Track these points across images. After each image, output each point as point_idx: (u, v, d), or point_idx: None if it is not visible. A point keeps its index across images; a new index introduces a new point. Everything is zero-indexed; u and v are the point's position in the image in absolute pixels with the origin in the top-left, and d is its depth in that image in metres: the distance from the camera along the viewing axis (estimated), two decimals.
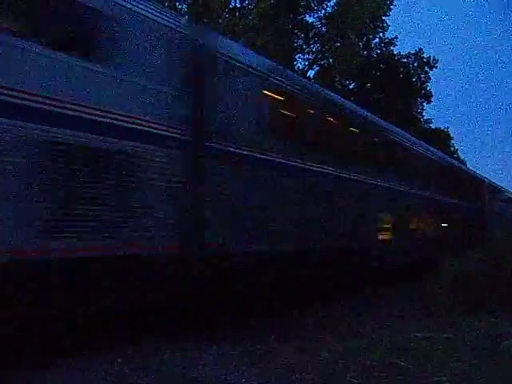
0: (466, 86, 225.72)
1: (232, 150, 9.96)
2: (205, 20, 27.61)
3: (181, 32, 9.11)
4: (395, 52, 40.31)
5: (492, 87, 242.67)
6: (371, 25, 34.31)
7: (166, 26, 8.77)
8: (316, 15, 34.52)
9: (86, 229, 7.16)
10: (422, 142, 23.46)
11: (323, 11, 34.22)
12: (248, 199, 10.30)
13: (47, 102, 6.79)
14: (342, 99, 17.30)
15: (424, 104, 43.59)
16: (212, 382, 6.58)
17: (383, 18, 34.70)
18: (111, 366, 7.10)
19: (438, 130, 51.01)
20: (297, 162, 11.98)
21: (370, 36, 36.88)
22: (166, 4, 28.02)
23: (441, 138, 48.44)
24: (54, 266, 6.83)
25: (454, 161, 29.94)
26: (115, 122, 7.63)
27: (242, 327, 9.60)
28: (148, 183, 8.10)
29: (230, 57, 10.18)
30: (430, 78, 41.68)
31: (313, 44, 35.11)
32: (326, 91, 15.78)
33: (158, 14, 8.68)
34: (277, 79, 11.71)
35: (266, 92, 11.29)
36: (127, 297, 8.03)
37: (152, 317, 8.44)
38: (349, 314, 11.41)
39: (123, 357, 7.44)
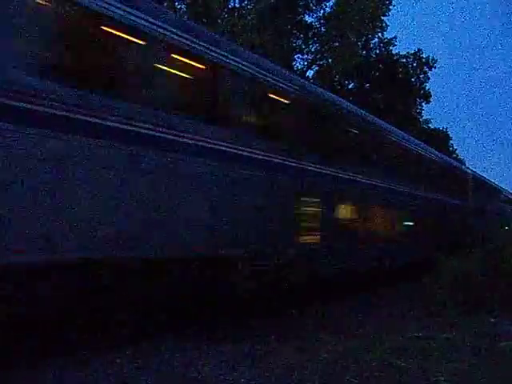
0: (465, 86, 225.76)
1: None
2: (204, 20, 27.63)
3: None
4: (394, 52, 40.35)
5: (491, 87, 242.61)
6: (370, 25, 34.24)
7: None
8: (315, 15, 34.58)
9: None
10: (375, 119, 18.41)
11: (322, 11, 34.27)
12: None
13: None
14: None
15: (423, 104, 43.64)
16: (212, 382, 6.58)
17: (382, 17, 34.65)
18: (111, 365, 7.10)
19: (436, 130, 51.00)
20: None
21: (369, 36, 36.82)
22: (165, 4, 28.02)
23: (440, 138, 48.42)
24: None
25: (429, 149, 24.30)
26: None
27: (242, 327, 9.61)
28: None
29: None
30: (429, 78, 41.73)
31: (312, 44, 35.11)
32: None
33: None
34: None
35: None
36: None
37: (152, 317, 8.46)
38: (349, 314, 11.41)
39: (123, 357, 7.44)
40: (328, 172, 13.23)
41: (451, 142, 56.81)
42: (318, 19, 34.46)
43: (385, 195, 17.11)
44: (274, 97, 11.53)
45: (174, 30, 8.74)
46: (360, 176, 15.07)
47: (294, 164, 11.73)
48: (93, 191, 7.23)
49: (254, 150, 10.40)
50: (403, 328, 9.58)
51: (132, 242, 7.82)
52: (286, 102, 11.83)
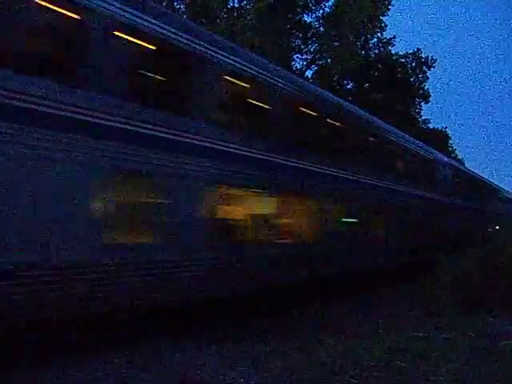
0: (465, 86, 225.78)
1: None
2: (203, 20, 27.61)
3: None
4: (393, 52, 40.32)
5: (491, 86, 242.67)
6: (369, 25, 34.20)
7: None
8: (314, 15, 34.52)
9: None
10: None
11: (321, 11, 34.23)
12: None
13: None
14: None
15: (422, 104, 43.61)
16: (211, 381, 6.59)
17: (381, 17, 34.62)
18: (111, 365, 7.11)
19: (436, 130, 50.98)
20: None
21: (368, 36, 36.77)
22: (164, 4, 28.02)
23: (439, 138, 48.39)
24: None
25: (387, 127, 19.35)
26: None
27: (242, 327, 9.62)
28: None
29: None
30: (428, 78, 41.72)
31: (311, 44, 35.06)
32: None
33: None
34: None
35: None
36: None
37: (152, 317, 8.47)
38: (349, 314, 11.42)
39: (122, 357, 7.46)
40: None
41: (450, 141, 56.86)
42: (317, 19, 34.43)
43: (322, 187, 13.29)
44: None
45: None
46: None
47: None
48: None
49: None
50: (403, 328, 9.59)
51: None
52: None
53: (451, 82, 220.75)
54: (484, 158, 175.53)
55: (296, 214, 12.40)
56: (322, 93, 15.08)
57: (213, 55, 9.99)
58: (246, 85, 11.20)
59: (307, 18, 34.45)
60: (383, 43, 38.88)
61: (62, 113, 7.30)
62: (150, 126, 8.50)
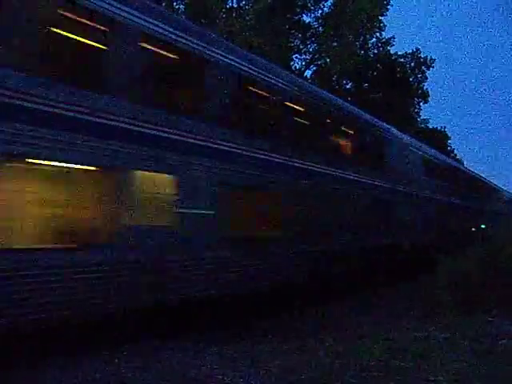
0: (463, 86, 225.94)
1: None
2: (202, 20, 27.63)
3: None
4: (392, 52, 40.37)
5: (489, 86, 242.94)
6: (368, 25, 34.26)
7: None
8: (313, 15, 34.56)
9: None
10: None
11: (320, 11, 34.27)
12: None
13: None
14: None
15: (421, 104, 43.67)
16: (211, 382, 6.59)
17: (380, 17, 34.67)
18: (110, 366, 7.12)
19: (435, 129, 51.03)
20: None
21: (367, 36, 36.81)
22: (164, 4, 28.03)
23: (438, 138, 48.42)
24: None
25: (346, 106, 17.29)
26: None
27: (242, 327, 9.63)
28: None
29: None
30: (427, 78, 41.78)
31: (310, 44, 35.11)
32: None
33: None
34: None
35: None
36: None
37: (152, 317, 8.48)
38: (349, 314, 11.44)
39: (122, 357, 7.46)
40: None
41: (449, 141, 56.90)
42: (316, 19, 34.47)
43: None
44: None
45: None
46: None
47: None
48: None
49: None
50: (402, 328, 9.60)
51: None
52: None
53: (450, 82, 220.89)
54: (483, 158, 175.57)
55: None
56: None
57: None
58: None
59: (306, 18, 34.50)
60: (382, 43, 38.94)
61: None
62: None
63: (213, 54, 10.63)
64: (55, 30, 7.92)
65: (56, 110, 7.63)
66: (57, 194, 7.87)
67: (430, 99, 42.80)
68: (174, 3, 30.72)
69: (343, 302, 12.88)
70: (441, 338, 8.57)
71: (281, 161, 12.39)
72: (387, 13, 34.70)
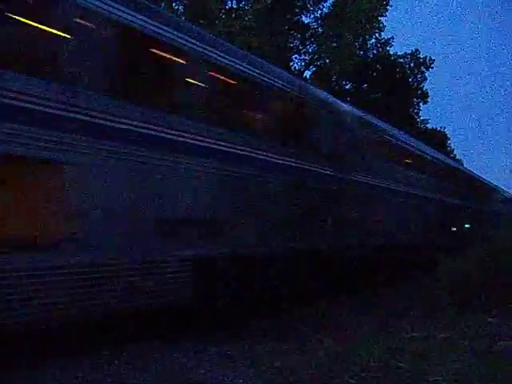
0: (463, 86, 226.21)
1: None
2: (201, 21, 27.64)
3: None
4: (392, 52, 40.48)
5: (489, 87, 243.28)
6: (367, 25, 34.32)
7: None
8: (312, 16, 34.63)
9: None
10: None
11: (319, 12, 34.33)
12: None
13: None
14: None
15: (420, 104, 43.78)
16: (211, 382, 6.60)
17: (379, 18, 34.74)
18: (110, 366, 7.12)
19: (434, 130, 51.10)
20: None
21: (367, 36, 36.87)
22: (163, 5, 28.05)
23: (438, 139, 48.50)
24: None
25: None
26: None
27: (242, 327, 9.64)
28: None
29: None
30: (426, 79, 41.87)
31: (309, 44, 35.18)
32: None
33: None
34: None
35: None
36: None
37: (151, 317, 8.49)
38: (349, 313, 11.44)
39: (121, 357, 7.47)
40: None
41: (449, 142, 57.01)
42: (316, 20, 34.54)
43: None
44: None
45: None
46: None
47: None
48: None
49: None
50: (402, 328, 9.60)
51: None
52: None
53: (450, 83, 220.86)
54: (483, 159, 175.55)
55: None
56: None
57: None
58: None
59: (305, 19, 34.55)
60: (381, 44, 39.07)
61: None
62: None
63: None
64: None
65: None
66: None
67: (429, 99, 42.89)
68: (173, 4, 30.78)
69: (343, 301, 12.90)
70: (440, 337, 8.58)
71: None
72: (386, 13, 34.76)
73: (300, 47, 35.34)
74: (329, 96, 16.13)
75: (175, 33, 9.42)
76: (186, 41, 9.67)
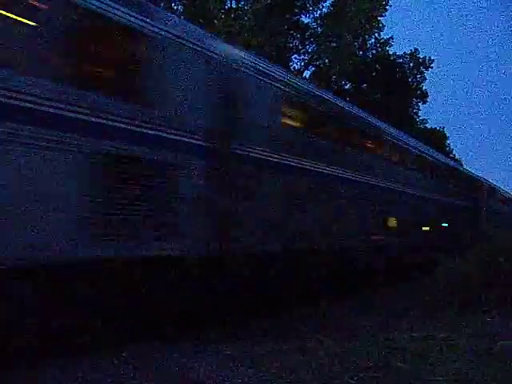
0: (462, 86, 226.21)
1: None
2: (200, 21, 27.64)
3: None
4: (391, 52, 40.48)
5: (488, 86, 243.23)
6: (367, 25, 34.33)
7: None
8: (311, 15, 34.64)
9: None
10: None
11: (319, 11, 34.34)
12: None
13: None
14: None
15: (419, 104, 43.78)
16: (210, 382, 6.59)
17: (379, 18, 34.74)
18: (110, 366, 7.12)
19: (433, 130, 51.11)
20: None
21: (366, 36, 36.89)
22: (162, 5, 28.04)
23: (437, 138, 48.51)
24: None
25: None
26: None
27: (241, 327, 9.63)
28: None
29: None
30: (426, 79, 41.88)
31: (308, 44, 35.20)
32: None
33: None
34: None
35: None
36: None
37: (151, 317, 8.48)
38: (349, 313, 11.45)
39: (120, 357, 7.46)
40: None
41: (448, 141, 57.03)
42: (315, 19, 34.55)
43: None
44: None
45: None
46: None
47: None
48: None
49: None
50: (401, 328, 9.61)
51: None
52: None
53: (449, 82, 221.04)
54: (482, 159, 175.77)
55: None
56: None
57: None
58: None
59: (305, 19, 34.56)
60: (381, 44, 39.07)
61: None
62: None
63: None
64: None
65: None
66: None
67: (428, 99, 42.90)
68: (173, 4, 30.78)
69: (343, 301, 12.91)
70: (440, 337, 8.59)
71: None
72: (386, 13, 34.78)
73: (299, 47, 35.36)
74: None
75: None
76: None
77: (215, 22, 29.21)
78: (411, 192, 20.33)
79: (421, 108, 45.76)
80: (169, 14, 11.50)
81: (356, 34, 34.35)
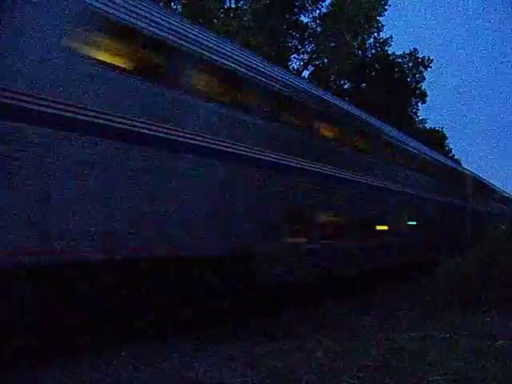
0: (461, 86, 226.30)
1: None
2: (199, 20, 27.64)
3: None
4: (390, 52, 40.48)
5: (487, 86, 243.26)
6: (366, 25, 34.33)
7: None
8: (311, 15, 34.64)
9: None
10: None
11: (318, 11, 34.35)
12: None
13: None
14: None
15: (419, 104, 43.79)
16: (209, 382, 6.60)
17: (378, 18, 34.75)
18: (110, 366, 7.12)
19: (432, 130, 51.12)
20: None
21: (365, 36, 36.88)
22: (161, 4, 28.03)
23: (436, 138, 48.51)
24: None
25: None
26: None
27: (241, 327, 9.64)
28: None
29: None
30: (425, 78, 41.88)
31: (307, 44, 35.20)
32: None
33: None
34: None
35: None
36: None
37: (150, 317, 8.49)
38: (348, 313, 11.46)
39: (120, 357, 7.47)
40: None
41: (447, 141, 57.05)
42: (314, 19, 34.55)
43: None
44: None
45: None
46: None
47: None
48: None
49: None
50: (401, 328, 9.62)
51: None
52: None
53: (448, 82, 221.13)
54: (481, 158, 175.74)
55: None
56: None
57: None
58: None
59: (304, 19, 34.57)
60: (380, 43, 39.05)
61: None
62: None
63: None
64: None
65: None
66: None
67: (428, 99, 42.91)
68: (172, 3, 30.77)
69: (343, 301, 12.92)
70: (440, 337, 8.60)
71: None
72: (385, 13, 34.79)
73: (298, 47, 35.36)
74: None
75: None
76: None
77: (214, 21, 29.22)
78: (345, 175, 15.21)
79: (420, 108, 45.81)
80: None
81: (355, 33, 34.32)
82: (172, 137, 9.35)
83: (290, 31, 34.61)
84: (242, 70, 11.32)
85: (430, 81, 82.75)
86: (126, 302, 8.38)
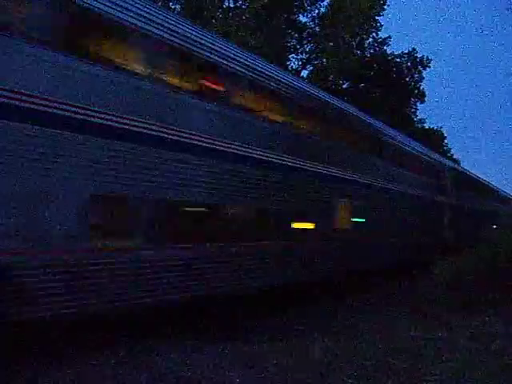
0: (460, 86, 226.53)
1: None
2: (198, 20, 27.63)
3: None
4: (388, 52, 40.39)
5: (486, 86, 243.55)
6: (364, 25, 34.28)
7: None
8: (309, 15, 34.61)
9: None
10: None
11: (317, 11, 34.32)
12: None
13: None
14: None
15: (417, 104, 43.73)
16: (207, 382, 6.59)
17: (376, 17, 34.71)
18: (108, 366, 7.12)
19: (431, 129, 51.11)
20: None
21: (364, 36, 36.81)
22: (160, 4, 28.02)
23: (434, 138, 48.50)
24: None
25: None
26: None
27: (239, 328, 9.64)
28: None
29: None
30: (424, 78, 41.83)
31: (306, 44, 35.16)
32: None
33: None
34: None
35: None
36: None
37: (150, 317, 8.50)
38: (348, 314, 11.45)
39: (119, 357, 7.47)
40: None
41: (446, 141, 57.07)
42: (313, 19, 34.53)
43: None
44: None
45: None
46: None
47: None
48: None
49: None
50: (400, 328, 9.62)
51: None
52: None
53: (447, 82, 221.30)
54: (480, 158, 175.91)
55: None
56: None
57: None
58: None
59: (303, 18, 34.54)
60: (378, 43, 38.93)
61: None
62: None
63: None
64: None
65: None
66: None
67: (426, 99, 42.87)
68: (170, 3, 30.75)
69: (343, 301, 12.92)
70: (438, 337, 8.60)
71: None
72: (383, 13, 34.76)
73: (297, 46, 35.30)
74: None
75: None
76: None
77: (213, 21, 29.20)
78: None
79: (419, 108, 45.74)
80: None
81: (354, 33, 34.27)
82: None
83: (289, 31, 34.57)
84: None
85: (429, 80, 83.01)
86: None
